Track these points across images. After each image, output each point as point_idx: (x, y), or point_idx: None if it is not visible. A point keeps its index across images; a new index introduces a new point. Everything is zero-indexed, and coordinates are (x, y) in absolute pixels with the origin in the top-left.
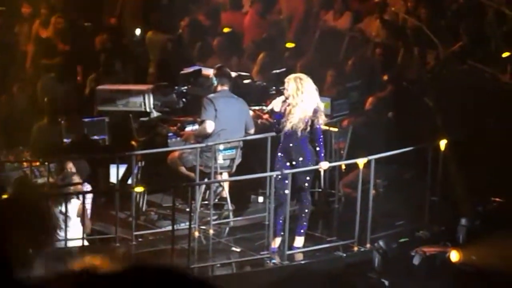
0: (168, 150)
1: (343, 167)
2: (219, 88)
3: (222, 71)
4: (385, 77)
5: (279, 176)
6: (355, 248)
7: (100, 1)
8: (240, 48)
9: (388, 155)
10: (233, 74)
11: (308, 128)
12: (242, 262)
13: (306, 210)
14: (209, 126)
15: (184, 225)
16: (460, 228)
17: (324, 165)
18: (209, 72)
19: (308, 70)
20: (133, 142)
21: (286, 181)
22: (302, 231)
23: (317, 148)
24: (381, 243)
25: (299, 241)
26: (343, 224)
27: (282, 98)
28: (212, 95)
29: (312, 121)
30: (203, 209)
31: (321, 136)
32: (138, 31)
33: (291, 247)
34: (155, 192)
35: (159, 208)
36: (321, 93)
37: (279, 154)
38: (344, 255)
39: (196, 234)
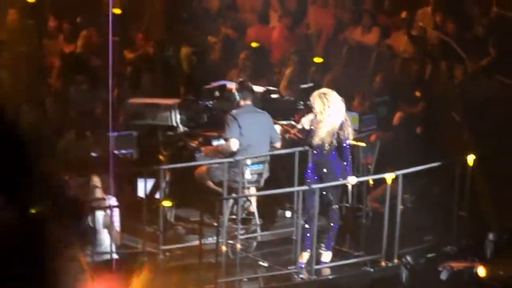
0: (196, 164)
1: (371, 182)
2: (241, 103)
3: (244, 85)
4: (417, 94)
5: (309, 191)
6: (383, 263)
7: (126, 15)
8: (268, 63)
9: (416, 170)
10: (261, 89)
11: (335, 142)
12: (269, 277)
13: (334, 225)
14: (234, 144)
15: (211, 240)
16: (488, 243)
17: (351, 180)
18: (233, 86)
19: (335, 85)
20: (161, 157)
21: (315, 196)
22: (330, 246)
23: (345, 163)
24: (408, 258)
25: (326, 256)
26: (370, 239)
27: (311, 116)
28: (235, 111)
29: (339, 135)
30: (231, 224)
31: (348, 150)
32: (165, 45)
33: (318, 262)
34: (182, 206)
35: (186, 222)
36: (349, 108)
37: (309, 169)
38: (372, 270)
39: (224, 248)
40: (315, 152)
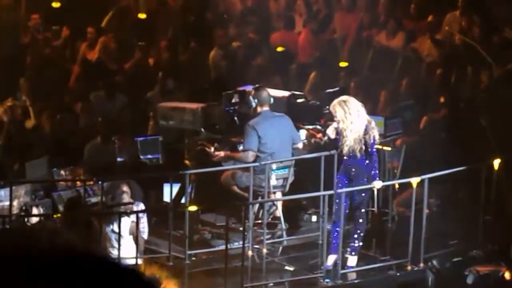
0: (221, 169)
1: (397, 186)
2: (258, 109)
3: (260, 91)
4: (442, 99)
5: (338, 195)
6: (409, 267)
7: (152, 20)
8: (293, 67)
9: (442, 174)
10: (287, 93)
11: (364, 148)
12: (295, 282)
13: (361, 229)
14: (251, 156)
15: (237, 244)
16: None
17: (377, 184)
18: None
19: (361, 89)
20: (187, 161)
21: (343, 200)
22: (356, 250)
23: (375, 165)
24: (434, 262)
25: (352, 260)
26: (396, 243)
27: (334, 125)
28: (253, 120)
29: (365, 139)
30: (257, 228)
31: (375, 154)
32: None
33: (344, 266)
34: (208, 211)
35: (212, 227)
36: (375, 112)
37: (339, 174)
38: (398, 274)
39: (250, 253)
40: (345, 158)
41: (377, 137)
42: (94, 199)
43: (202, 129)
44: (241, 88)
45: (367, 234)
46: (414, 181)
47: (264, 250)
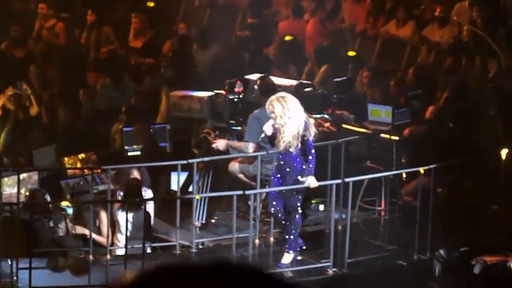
0: (229, 157)
1: (404, 175)
2: (263, 100)
3: (265, 81)
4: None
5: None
6: (415, 257)
7: (164, 9)
8: (301, 56)
9: (449, 164)
10: (295, 82)
11: (300, 145)
12: (302, 270)
13: (295, 227)
14: (250, 148)
15: (245, 233)
16: None
17: (311, 181)
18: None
19: (369, 78)
20: (195, 150)
21: (280, 199)
22: (292, 247)
23: (310, 164)
24: (441, 252)
25: (287, 257)
26: (403, 232)
27: (271, 121)
28: (257, 111)
29: (303, 136)
30: (264, 217)
31: (313, 151)
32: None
33: (278, 263)
34: (215, 199)
35: (220, 215)
36: (383, 102)
37: (274, 174)
38: (405, 263)
39: (257, 242)
40: (279, 156)
41: (312, 134)
42: (101, 187)
43: (209, 118)
44: (247, 77)
45: (373, 224)
46: (422, 170)
47: (271, 239)
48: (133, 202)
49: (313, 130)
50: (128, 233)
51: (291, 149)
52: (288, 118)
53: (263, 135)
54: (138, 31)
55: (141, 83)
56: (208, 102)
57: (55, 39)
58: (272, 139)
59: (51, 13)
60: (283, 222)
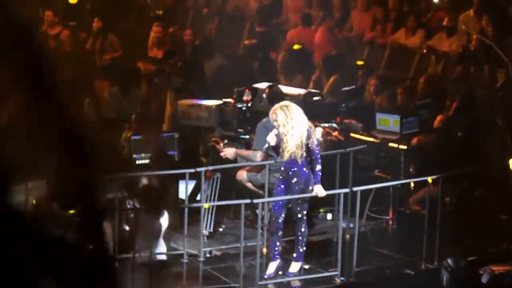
0: (237, 166)
1: (412, 184)
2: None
3: (273, 90)
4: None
5: (278, 204)
6: (423, 266)
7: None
8: (309, 65)
9: (457, 173)
10: (303, 91)
11: (305, 154)
12: (309, 279)
13: (302, 237)
14: (258, 156)
15: (252, 242)
16: None
17: (319, 190)
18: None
19: (377, 86)
20: (203, 158)
21: (283, 208)
22: (300, 257)
23: (317, 173)
24: (449, 261)
25: (295, 266)
26: (411, 242)
27: (275, 131)
28: (265, 120)
29: (307, 145)
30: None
31: (320, 159)
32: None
33: (285, 272)
34: (223, 208)
35: (227, 224)
36: (391, 111)
37: (280, 182)
38: (412, 272)
39: (264, 250)
40: (285, 166)
41: (315, 143)
42: (110, 195)
43: (217, 126)
44: (256, 86)
45: (381, 233)
46: (430, 179)
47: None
48: (152, 208)
49: (315, 138)
50: (146, 241)
51: (297, 159)
52: (291, 127)
53: (266, 145)
54: (159, 40)
55: (149, 91)
56: (217, 110)
57: (61, 46)
58: (276, 149)
59: (57, 21)
60: (281, 232)
